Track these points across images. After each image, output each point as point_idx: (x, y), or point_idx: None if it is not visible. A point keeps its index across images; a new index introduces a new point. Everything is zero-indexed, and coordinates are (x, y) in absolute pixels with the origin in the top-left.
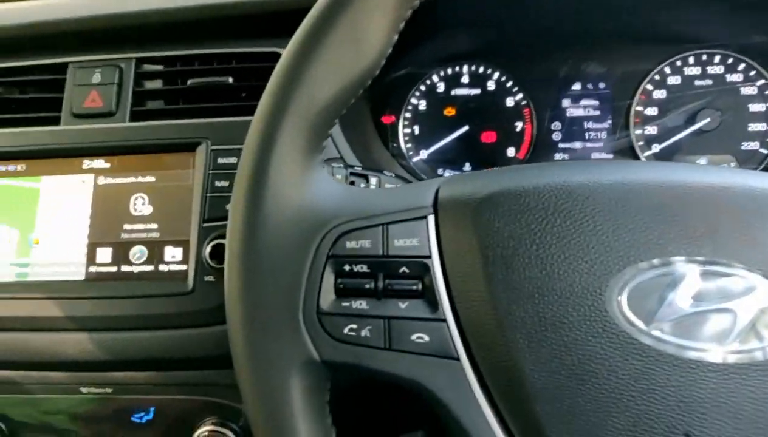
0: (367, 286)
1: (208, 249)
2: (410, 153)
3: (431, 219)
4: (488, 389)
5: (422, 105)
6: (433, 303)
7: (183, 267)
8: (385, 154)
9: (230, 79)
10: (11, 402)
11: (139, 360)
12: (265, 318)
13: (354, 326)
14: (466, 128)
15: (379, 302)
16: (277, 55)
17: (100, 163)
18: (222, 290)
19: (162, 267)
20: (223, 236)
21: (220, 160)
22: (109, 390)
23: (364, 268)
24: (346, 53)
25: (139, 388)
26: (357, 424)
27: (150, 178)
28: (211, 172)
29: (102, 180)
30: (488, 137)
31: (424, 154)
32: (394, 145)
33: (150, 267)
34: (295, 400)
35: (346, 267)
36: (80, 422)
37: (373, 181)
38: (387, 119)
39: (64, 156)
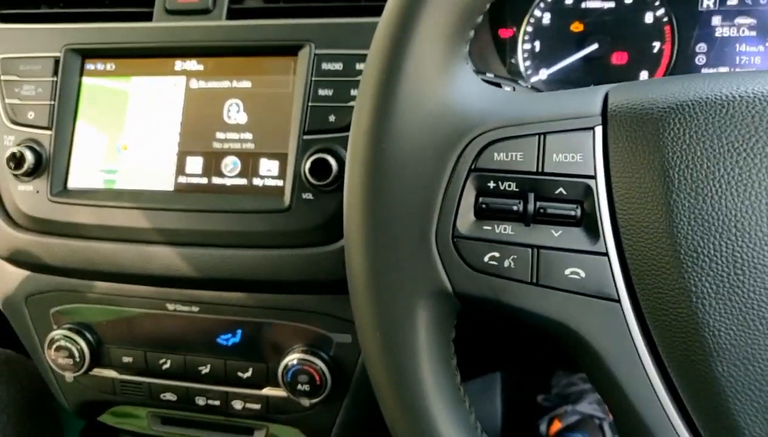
0: (515, 208)
1: (308, 164)
2: (528, 72)
3: (598, 131)
4: (653, 340)
5: (546, 18)
6: (594, 233)
7: (279, 183)
8: (501, 71)
9: None
10: (97, 313)
11: (227, 279)
12: (391, 239)
13: (496, 254)
14: (595, 46)
15: (527, 228)
16: None
17: (192, 64)
18: (321, 209)
19: (256, 182)
20: (325, 150)
21: (325, 66)
22: (195, 309)
23: (513, 186)
24: None
25: (226, 309)
26: None
27: (246, 84)
28: (314, 78)
29: (194, 83)
30: (619, 58)
31: (543, 73)
32: (512, 61)
33: (243, 181)
34: (420, 335)
35: (491, 184)
36: (166, 338)
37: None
38: (505, 32)
39: (156, 56)
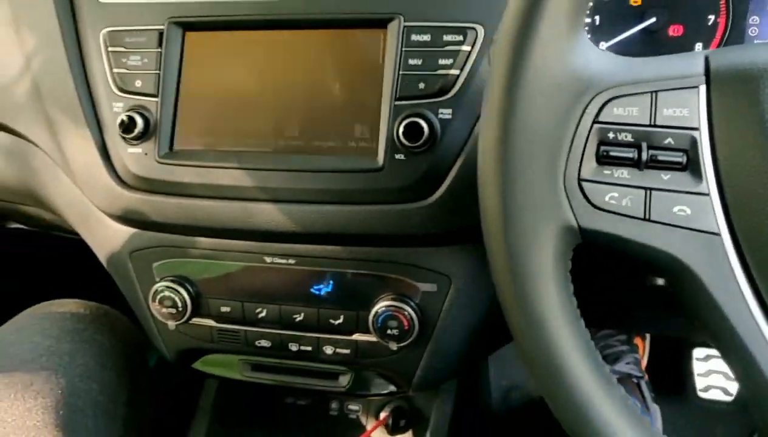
0: (631, 155)
1: (401, 127)
2: None
3: (702, 89)
4: (749, 267)
5: None
6: (698, 177)
7: (372, 144)
8: None
9: None
10: (198, 267)
11: (324, 233)
12: (525, 183)
13: (615, 194)
14: (653, 20)
15: (641, 172)
16: None
17: (287, 36)
18: (412, 169)
19: (351, 143)
20: (416, 114)
21: (414, 37)
22: (291, 261)
23: (629, 137)
24: None
25: (320, 261)
26: None
27: (339, 54)
28: (404, 49)
29: (289, 54)
30: (675, 30)
31: (603, 46)
32: None
33: (338, 143)
34: (548, 262)
35: (611, 135)
36: (263, 289)
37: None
38: None
39: (250, 27)
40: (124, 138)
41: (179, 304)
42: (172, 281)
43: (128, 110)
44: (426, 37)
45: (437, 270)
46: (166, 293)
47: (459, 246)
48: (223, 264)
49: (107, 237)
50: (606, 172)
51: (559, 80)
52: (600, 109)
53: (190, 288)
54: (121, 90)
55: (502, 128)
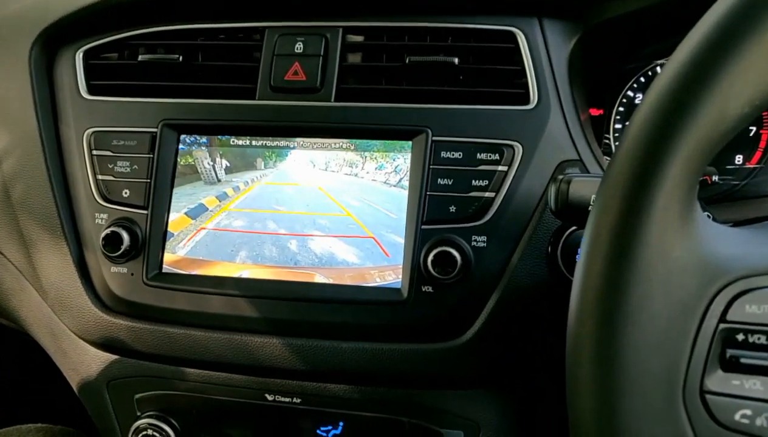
0: (766, 363)
1: (430, 256)
2: None
3: None
4: None
5: (639, 98)
6: None
7: (396, 274)
8: (596, 149)
9: (456, 60)
10: (188, 400)
11: (335, 371)
12: (635, 405)
13: (747, 412)
14: None
15: None
16: (512, 35)
17: (297, 144)
18: (441, 303)
19: (370, 271)
20: (446, 242)
21: (444, 154)
22: (297, 400)
23: (764, 340)
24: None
25: (329, 401)
26: None
27: (356, 168)
28: (432, 166)
29: (298, 164)
30: None
31: None
32: (605, 140)
33: (355, 270)
34: None
35: (740, 337)
36: (261, 430)
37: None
38: (594, 111)
39: (259, 134)
40: (107, 255)
41: None
42: (156, 417)
43: (113, 223)
44: (457, 155)
45: (465, 415)
46: (149, 431)
47: (494, 390)
48: (216, 399)
49: (82, 363)
50: (735, 382)
51: (676, 270)
52: (728, 306)
53: (177, 424)
54: (106, 200)
55: (606, 322)
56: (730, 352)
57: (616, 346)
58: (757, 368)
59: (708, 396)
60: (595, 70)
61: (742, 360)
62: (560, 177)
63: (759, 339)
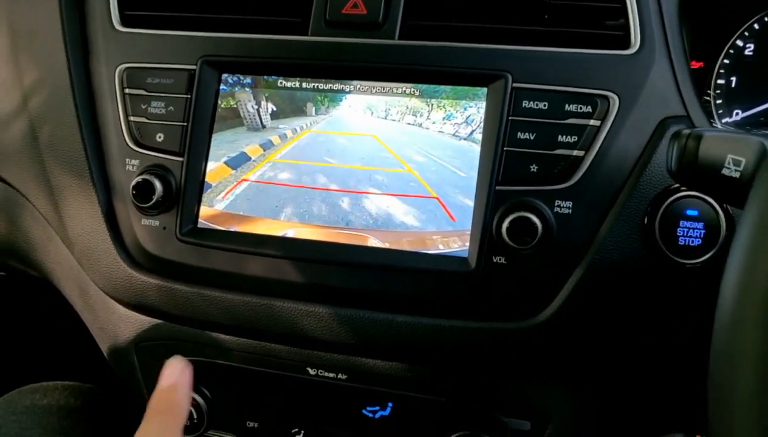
0: None
1: (505, 222)
2: (720, 111)
3: None
4: None
5: (750, 49)
6: None
7: (463, 240)
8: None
9: None
10: (222, 369)
11: (387, 346)
12: None
13: None
14: None
15: None
16: None
17: (356, 87)
18: (515, 277)
19: (434, 237)
20: (525, 206)
21: (526, 104)
22: (342, 376)
23: None
24: None
25: (378, 378)
26: None
27: (422, 118)
28: (511, 117)
29: (355, 111)
30: None
31: (738, 115)
32: (706, 97)
33: (416, 235)
34: None
35: None
36: (302, 407)
37: None
38: (695, 63)
39: (311, 75)
40: (137, 206)
41: (193, 414)
42: None
43: (145, 170)
44: (542, 105)
45: (534, 405)
46: None
47: (568, 379)
48: (253, 370)
49: (109, 321)
50: None
51: None
52: None
53: (208, 394)
54: (139, 144)
55: None
56: None
57: None
58: None
59: None
60: (709, 10)
61: None
62: (685, 131)
63: None
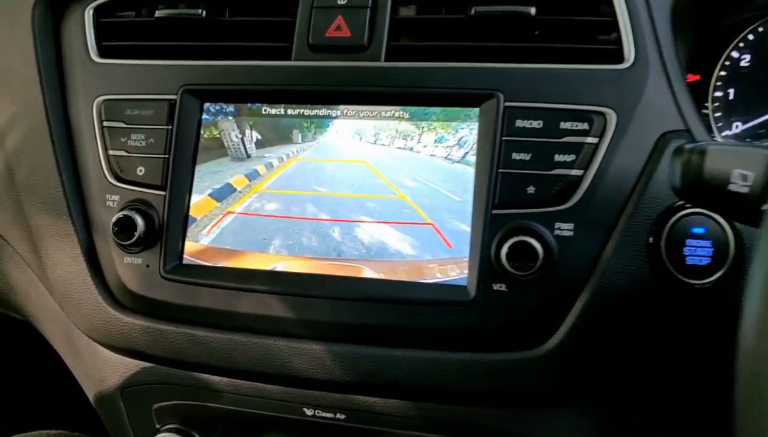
0: None
1: (504, 248)
2: (719, 124)
3: None
4: None
5: (746, 60)
6: None
7: (461, 268)
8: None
9: (532, 11)
10: (213, 412)
11: (386, 383)
12: None
13: None
14: None
15: None
16: None
17: (341, 112)
18: (516, 304)
19: (430, 265)
20: (524, 230)
21: (520, 123)
22: (340, 416)
23: None
24: None
25: (379, 418)
26: None
27: (412, 141)
28: (505, 138)
29: (343, 136)
30: None
31: (738, 127)
32: (704, 110)
33: (411, 264)
34: None
35: None
36: None
37: None
38: (691, 76)
39: (295, 101)
40: (119, 244)
41: None
42: (177, 431)
43: (126, 206)
44: (536, 124)
45: None
46: None
47: (577, 409)
48: (246, 413)
49: (95, 366)
50: None
51: None
52: None
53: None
54: (119, 179)
55: None
56: None
57: None
58: None
59: None
60: (702, 21)
61: None
62: (688, 146)
63: None
